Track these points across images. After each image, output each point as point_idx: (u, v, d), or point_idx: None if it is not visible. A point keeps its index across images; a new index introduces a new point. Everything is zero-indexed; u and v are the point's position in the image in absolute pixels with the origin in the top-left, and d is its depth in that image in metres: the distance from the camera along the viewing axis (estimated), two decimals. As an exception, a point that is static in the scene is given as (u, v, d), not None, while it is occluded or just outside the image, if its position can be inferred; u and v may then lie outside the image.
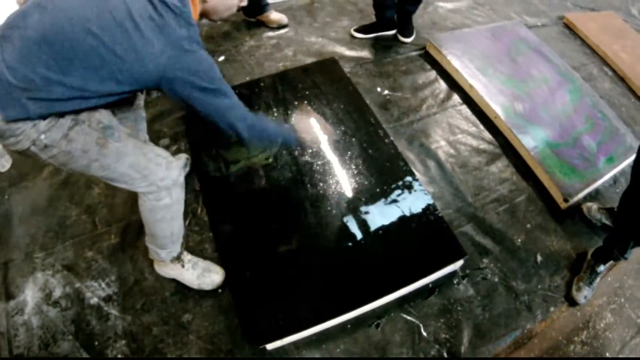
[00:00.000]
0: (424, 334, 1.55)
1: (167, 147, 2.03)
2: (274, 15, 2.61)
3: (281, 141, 1.41)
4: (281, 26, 2.63)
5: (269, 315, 1.49)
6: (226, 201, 1.79)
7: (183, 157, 1.94)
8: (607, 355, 1.59)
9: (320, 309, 1.50)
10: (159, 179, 1.28)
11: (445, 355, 1.52)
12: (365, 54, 2.52)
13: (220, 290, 1.62)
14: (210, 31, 2.60)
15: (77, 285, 1.62)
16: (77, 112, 1.09)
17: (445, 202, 1.91)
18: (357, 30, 2.62)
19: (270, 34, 2.60)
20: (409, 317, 1.58)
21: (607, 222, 1.85)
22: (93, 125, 1.13)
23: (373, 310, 1.58)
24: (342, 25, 2.71)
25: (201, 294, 1.61)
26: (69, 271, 1.65)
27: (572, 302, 1.69)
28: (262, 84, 2.17)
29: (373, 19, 2.63)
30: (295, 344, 1.52)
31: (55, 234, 1.74)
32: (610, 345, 1.62)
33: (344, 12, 2.84)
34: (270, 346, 1.47)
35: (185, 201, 1.84)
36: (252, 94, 2.11)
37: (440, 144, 2.12)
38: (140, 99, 1.54)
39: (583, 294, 1.67)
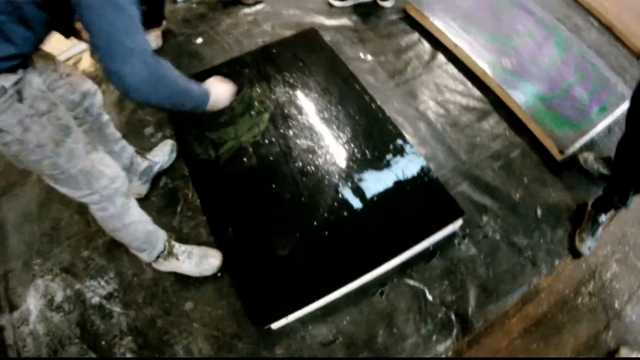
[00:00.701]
0: (430, 297, 1.48)
1: (151, 135, 1.92)
2: None
3: (189, 104, 1.11)
4: (257, 1, 2.46)
5: (271, 294, 1.41)
6: (217, 183, 1.68)
7: (169, 143, 1.83)
8: (616, 304, 1.52)
9: (322, 282, 1.42)
10: (101, 187, 1.18)
11: (453, 317, 1.44)
12: (344, 21, 2.36)
13: (219, 274, 1.54)
14: (186, 15, 2.44)
15: (78, 286, 1.55)
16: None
17: (438, 162, 1.80)
18: None
19: (247, 10, 2.43)
20: (412, 282, 1.50)
21: (605, 172, 1.76)
22: (52, 120, 1.02)
23: (376, 279, 1.50)
24: None
25: (200, 280, 1.54)
26: (68, 273, 1.58)
27: (576, 254, 1.60)
28: (242, 62, 2.04)
29: None
30: (300, 320, 1.44)
31: (50, 238, 1.67)
32: (618, 295, 1.55)
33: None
34: (275, 325, 1.40)
35: (176, 187, 1.77)
36: (233, 72, 1.98)
37: (429, 105, 2.00)
38: (98, 107, 1.41)
39: (587, 245, 1.59)
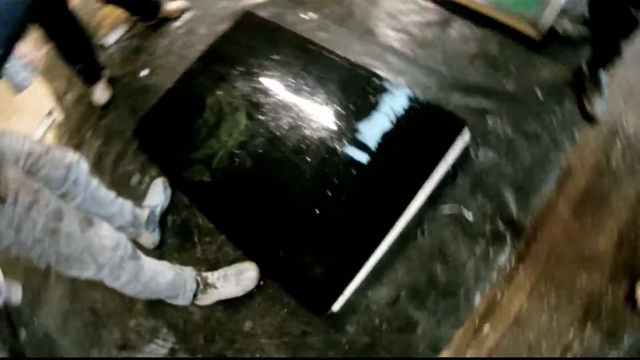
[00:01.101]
0: (469, 217, 1.40)
1: (139, 182, 1.83)
2: (172, 5, 2.28)
3: None
4: (183, 11, 2.31)
5: (319, 279, 1.34)
6: (221, 197, 1.60)
7: (159, 183, 1.74)
8: None
9: (360, 247, 1.34)
10: (107, 260, 1.11)
11: (500, 226, 1.37)
12: None
13: (261, 282, 1.47)
14: (121, 54, 2.31)
15: (140, 356, 1.50)
16: None
17: (422, 86, 1.68)
18: None
19: (177, 24, 2.28)
20: (447, 209, 1.42)
21: (587, 32, 1.66)
22: (41, 211, 0.97)
23: (410, 222, 1.41)
24: None
25: (247, 295, 1.46)
26: (126, 349, 1.53)
27: (591, 119, 1.50)
28: (193, 74, 1.91)
29: None
30: (358, 291, 1.37)
31: (94, 325, 1.62)
32: None
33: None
34: (336, 307, 1.33)
35: (184, 220, 1.69)
36: (190, 87, 1.87)
37: (389, 36, 1.87)
38: (85, 175, 1.33)
39: (598, 107, 1.49)
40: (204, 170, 1.65)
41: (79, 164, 1.29)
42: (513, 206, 1.38)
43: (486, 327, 1.29)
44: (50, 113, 2.35)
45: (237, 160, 1.62)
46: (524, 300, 1.30)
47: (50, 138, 2.27)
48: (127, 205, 1.52)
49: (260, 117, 1.67)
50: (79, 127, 2.19)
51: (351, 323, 1.35)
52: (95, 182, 1.38)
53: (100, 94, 2.14)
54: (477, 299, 1.29)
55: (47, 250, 1.00)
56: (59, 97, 2.39)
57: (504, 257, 1.32)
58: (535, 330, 1.27)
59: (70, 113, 2.29)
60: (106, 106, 2.15)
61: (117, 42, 2.38)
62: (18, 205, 0.93)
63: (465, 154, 1.48)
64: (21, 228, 0.94)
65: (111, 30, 2.40)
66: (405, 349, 1.29)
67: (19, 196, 0.94)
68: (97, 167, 1.96)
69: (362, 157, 1.47)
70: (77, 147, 2.13)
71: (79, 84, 2.28)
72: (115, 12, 2.45)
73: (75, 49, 2.01)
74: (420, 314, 1.31)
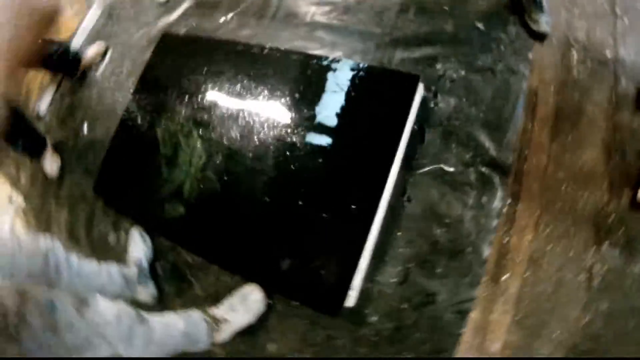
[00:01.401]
0: (449, 169, 1.28)
1: (117, 240, 1.67)
2: (90, 53, 2.05)
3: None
4: (104, 53, 2.12)
5: (323, 279, 1.22)
6: (200, 226, 1.45)
7: (135, 234, 1.59)
8: (607, 53, 1.32)
9: (353, 235, 1.22)
10: (115, 333, 1.01)
11: (484, 170, 1.25)
12: (185, 6, 1.99)
13: (270, 302, 1.36)
14: (58, 117, 2.11)
15: None
16: None
17: (361, 52, 1.52)
18: None
19: (102, 67, 2.06)
20: (425, 169, 1.30)
21: None
22: (32, 310, 0.87)
23: (394, 196, 1.27)
24: (146, 3, 2.15)
25: (261, 318, 1.33)
26: None
27: (540, 36, 1.37)
28: (131, 115, 1.73)
29: None
30: (366, 280, 1.25)
31: None
32: (603, 48, 1.34)
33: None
34: (350, 302, 1.23)
35: (173, 263, 1.56)
36: (134, 127, 1.71)
37: (314, 12, 1.69)
38: (62, 253, 1.20)
39: (543, 22, 1.35)
40: (177, 204, 1.49)
41: (54, 246, 1.17)
42: (490, 146, 1.24)
43: (505, 276, 1.20)
44: (10, 200, 2.18)
45: (205, 184, 1.45)
46: (533, 238, 1.20)
47: (18, 225, 2.12)
48: (113, 269, 1.39)
49: (211, 134, 1.50)
50: (42, 204, 2.03)
51: (371, 313, 1.24)
52: (75, 258, 1.24)
53: (50, 164, 1.96)
54: (486, 251, 1.19)
55: (55, 348, 0.89)
56: (13, 182, 2.22)
57: (499, 201, 1.20)
58: (553, 264, 1.17)
59: (29, 193, 2.12)
60: (61, 174, 1.99)
61: (50, 105, 2.20)
62: (9, 315, 0.83)
63: (425, 108, 1.33)
64: (21, 336, 0.83)
65: (40, 96, 2.21)
66: (432, 322, 1.19)
67: (5, 303, 0.83)
68: (71, 239, 1.81)
69: (325, 143, 1.31)
70: (46, 224, 1.97)
71: (27, 161, 2.11)
72: (38, 77, 2.24)
73: (12, 129, 1.84)
74: (435, 283, 1.20)
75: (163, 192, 1.53)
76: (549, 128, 1.29)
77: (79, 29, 2.16)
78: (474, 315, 1.20)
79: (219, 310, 1.32)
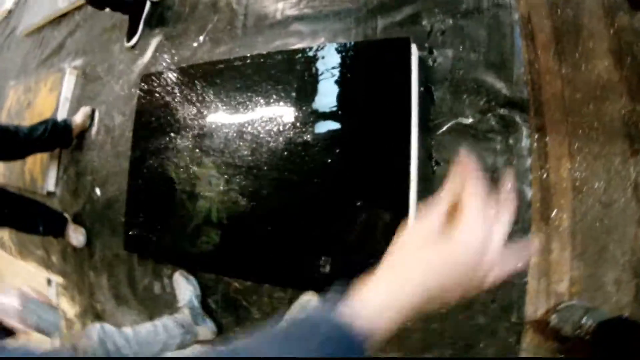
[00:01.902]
0: (468, 120, 1.16)
1: (162, 289, 1.62)
2: (78, 119, 1.98)
3: None
4: (91, 114, 2.03)
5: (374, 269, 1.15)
6: (239, 248, 1.38)
7: (179, 278, 1.53)
8: None
9: (392, 215, 1.13)
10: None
11: (504, 112, 1.14)
12: (154, 43, 1.87)
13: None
14: (69, 188, 2.06)
15: None
16: None
17: (342, 32, 1.40)
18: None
19: (94, 128, 1.99)
20: (444, 128, 1.19)
21: None
22: None
23: (421, 165, 1.18)
24: (116, 53, 2.05)
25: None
26: None
27: None
28: (140, 162, 1.67)
29: None
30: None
31: None
32: None
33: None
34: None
35: (224, 293, 1.50)
36: (146, 175, 1.64)
37: (280, 7, 1.51)
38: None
39: None
40: (210, 233, 1.43)
41: (105, 330, 1.12)
42: (501, 86, 1.15)
43: (553, 213, 1.12)
44: (49, 282, 2.14)
45: (231, 205, 1.39)
46: (570, 166, 1.12)
47: (64, 304, 2.08)
48: (168, 323, 1.33)
49: (223, 156, 1.42)
50: (80, 276, 1.98)
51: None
52: (129, 330, 1.18)
53: (76, 237, 1.91)
54: (528, 192, 1.11)
55: None
56: (47, 265, 2.18)
57: (526, 138, 1.11)
58: (597, 186, 1.09)
59: (64, 270, 2.08)
60: (89, 242, 1.94)
61: (57, 181, 2.14)
62: None
63: (425, 68, 1.24)
64: None
65: (45, 175, 2.15)
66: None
67: None
68: (119, 301, 1.77)
69: (337, 133, 1.23)
70: (90, 294, 1.93)
71: (53, 241, 2.07)
72: (37, 158, 2.19)
73: (28, 218, 1.79)
74: (487, 239, 1.13)
75: (192, 226, 1.47)
76: (553, 51, 1.19)
77: (59, 101, 2.08)
78: (534, 261, 1.12)
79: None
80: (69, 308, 2.05)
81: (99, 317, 1.89)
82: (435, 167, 1.18)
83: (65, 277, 2.07)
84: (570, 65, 1.17)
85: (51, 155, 2.12)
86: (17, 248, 2.38)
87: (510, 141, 1.12)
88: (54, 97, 2.12)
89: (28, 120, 2.16)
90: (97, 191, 1.90)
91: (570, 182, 1.12)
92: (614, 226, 1.11)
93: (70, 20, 2.27)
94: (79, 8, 2.22)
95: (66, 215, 1.97)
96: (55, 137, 1.93)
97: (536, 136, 1.14)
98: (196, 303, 1.48)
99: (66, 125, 1.96)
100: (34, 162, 2.18)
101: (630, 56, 1.14)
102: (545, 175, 1.13)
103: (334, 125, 1.23)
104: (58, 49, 2.27)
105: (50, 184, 2.11)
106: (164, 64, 1.74)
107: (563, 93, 1.16)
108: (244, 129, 1.38)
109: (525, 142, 1.12)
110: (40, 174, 2.15)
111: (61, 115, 2.08)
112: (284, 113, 1.31)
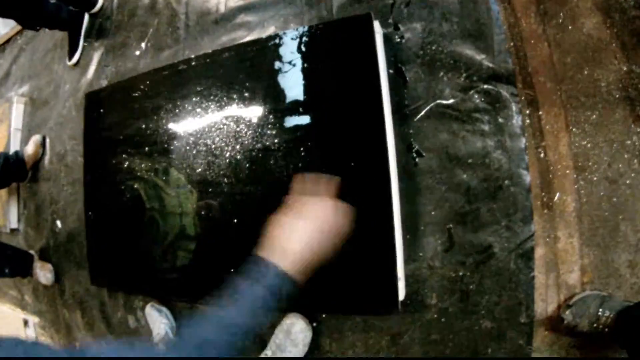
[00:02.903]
0: (448, 101, 0.94)
1: (137, 322, 1.37)
2: (29, 150, 1.68)
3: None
4: (42, 142, 1.70)
5: (365, 280, 0.91)
6: (213, 262, 1.12)
7: (150, 310, 1.28)
8: None
9: (375, 219, 0.89)
10: None
11: (488, 87, 0.89)
12: (96, 58, 1.56)
13: (315, 324, 1.06)
14: (31, 223, 1.77)
15: None
16: None
17: (294, 17, 1.13)
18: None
19: (47, 156, 1.69)
20: (422, 112, 0.95)
21: None
22: None
23: (401, 155, 0.95)
24: (59, 73, 1.72)
25: (311, 344, 1.05)
26: None
27: None
28: (95, 186, 1.39)
29: None
30: (409, 260, 0.95)
31: None
32: None
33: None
34: (401, 294, 0.92)
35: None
36: (106, 198, 1.37)
37: (220, 0, 1.32)
38: None
39: None
40: (184, 244, 1.17)
41: None
42: (482, 57, 0.91)
43: (556, 197, 0.90)
44: (26, 323, 1.85)
45: (208, 212, 1.12)
46: (568, 141, 0.90)
47: (45, 342, 1.80)
48: None
49: (190, 164, 1.15)
50: (55, 314, 1.71)
51: (428, 294, 0.94)
52: None
53: (44, 275, 1.63)
54: (527, 177, 0.88)
55: None
56: (22, 305, 1.89)
57: (517, 114, 0.88)
58: (601, 160, 0.87)
59: (39, 309, 1.80)
60: (57, 278, 1.66)
61: (19, 216, 1.84)
62: None
63: (392, 46, 0.99)
64: None
65: (6, 212, 1.85)
66: (498, 277, 0.89)
67: None
68: (95, 338, 1.51)
69: (305, 129, 0.97)
70: (67, 331, 1.66)
71: (24, 280, 1.78)
72: (-5, 196, 1.89)
73: None
74: (485, 234, 0.90)
75: (164, 244, 1.20)
76: (535, 13, 0.96)
77: (10, 132, 1.78)
78: (539, 253, 0.89)
79: (268, 356, 1.01)
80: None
81: (79, 356, 1.62)
82: (417, 159, 0.94)
83: (40, 316, 1.79)
84: (556, 26, 0.94)
85: (10, 190, 1.82)
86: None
87: (500, 119, 0.89)
88: (4, 129, 1.82)
89: (-18, 156, 1.85)
90: (58, 223, 1.62)
91: (572, 159, 0.90)
92: (623, 203, 0.90)
93: (14, 46, 1.96)
94: (20, 32, 1.91)
95: (32, 252, 1.69)
96: (8, 172, 1.64)
97: (528, 111, 0.91)
98: (172, 336, 1.23)
99: (18, 158, 1.67)
100: (-8, 200, 1.88)
101: (618, 12, 0.92)
102: (542, 155, 0.90)
103: (297, 122, 0.99)
104: (5, 78, 1.97)
105: (13, 221, 1.82)
106: (107, 78, 1.45)
107: (552, 58, 0.93)
108: (207, 133, 1.12)
109: (516, 119, 0.89)
110: (2, 212, 1.85)
111: (13, 147, 1.79)
112: (238, 115, 1.05)
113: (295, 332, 1.03)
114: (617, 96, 0.90)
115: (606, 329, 0.88)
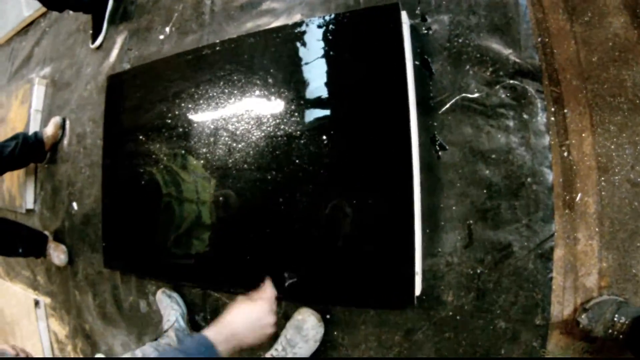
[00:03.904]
0: (473, 95, 0.93)
1: (148, 307, 1.38)
2: (49, 131, 1.72)
3: None
4: (62, 124, 1.76)
5: (382, 273, 0.92)
6: (230, 254, 1.14)
7: (161, 295, 1.30)
8: None
9: (395, 212, 0.90)
10: None
11: (514, 82, 0.89)
12: (120, 41, 1.59)
13: (328, 316, 1.06)
14: (47, 205, 1.81)
15: None
16: None
17: (320, 4, 1.11)
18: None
19: (66, 139, 1.73)
20: (446, 105, 0.94)
21: None
22: None
23: (424, 149, 0.95)
24: (81, 56, 1.75)
25: (324, 339, 1.06)
26: None
27: None
28: (113, 170, 1.42)
29: None
30: (427, 255, 0.95)
31: None
32: None
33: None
34: (418, 289, 0.92)
35: (214, 308, 1.27)
36: (124, 183, 1.39)
37: None
38: None
39: None
40: (199, 232, 1.19)
41: None
42: (509, 52, 0.91)
43: (578, 197, 0.89)
44: (37, 304, 1.89)
45: (226, 201, 1.13)
46: (593, 142, 0.88)
47: (55, 326, 1.84)
48: (148, 350, 1.11)
49: (208, 152, 1.17)
50: (66, 295, 1.74)
51: (445, 291, 0.94)
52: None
53: (57, 255, 1.66)
54: (549, 175, 0.87)
55: None
56: (34, 286, 1.93)
57: (542, 111, 0.88)
58: (624, 162, 0.86)
59: (51, 290, 1.83)
60: (71, 260, 1.69)
61: (36, 197, 1.88)
62: None
63: (419, 37, 0.99)
64: None
65: (23, 192, 1.89)
66: (516, 277, 0.89)
67: None
68: (106, 321, 1.54)
69: (328, 121, 0.98)
70: (78, 313, 1.69)
71: (37, 261, 1.82)
72: (14, 175, 1.93)
73: (6, 240, 1.55)
74: (505, 232, 0.89)
75: (180, 233, 1.22)
76: (563, 9, 0.95)
77: (30, 113, 1.82)
78: (558, 254, 0.89)
79: (277, 352, 1.01)
80: (60, 329, 1.81)
81: (88, 337, 1.65)
82: (442, 153, 0.94)
83: (52, 297, 1.82)
84: (583, 24, 0.93)
85: (27, 171, 1.86)
86: (4, 269, 2.13)
87: (525, 116, 0.89)
88: (25, 110, 1.86)
89: (2, 137, 1.90)
90: (74, 205, 1.64)
91: (595, 159, 0.89)
92: (645, 205, 0.88)
93: (37, 28, 2.00)
94: (44, 14, 1.95)
95: (47, 233, 1.72)
96: (27, 152, 1.68)
97: (553, 108, 0.90)
98: (182, 323, 1.25)
99: (37, 139, 1.70)
100: (12, 179, 1.93)
101: (647, 11, 0.91)
102: (566, 154, 0.90)
103: (320, 113, 0.99)
104: (27, 60, 2.01)
105: (29, 202, 1.85)
106: (130, 62, 1.48)
107: (579, 56, 0.92)
108: (226, 121, 1.13)
109: (541, 116, 0.88)
110: (18, 192, 1.89)
111: (33, 128, 1.82)
112: (260, 103, 1.06)
113: (306, 329, 1.03)
114: (642, 96, 0.89)
115: (621, 336, 0.87)
